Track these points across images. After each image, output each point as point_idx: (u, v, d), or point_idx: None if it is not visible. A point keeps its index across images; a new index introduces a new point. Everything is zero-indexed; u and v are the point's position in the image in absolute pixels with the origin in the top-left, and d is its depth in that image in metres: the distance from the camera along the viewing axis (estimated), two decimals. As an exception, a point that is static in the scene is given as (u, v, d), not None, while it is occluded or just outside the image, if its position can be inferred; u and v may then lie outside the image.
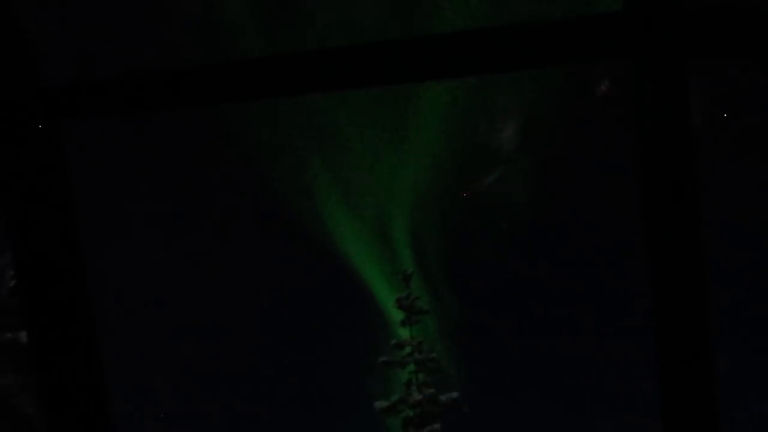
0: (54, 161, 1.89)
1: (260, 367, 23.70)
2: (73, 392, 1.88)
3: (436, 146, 23.02)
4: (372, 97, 21.62)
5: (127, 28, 19.81)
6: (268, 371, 23.69)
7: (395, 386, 16.09)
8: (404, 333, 16.32)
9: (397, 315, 16.61)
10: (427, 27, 19.22)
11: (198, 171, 23.46)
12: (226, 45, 20.46)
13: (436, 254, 24.10)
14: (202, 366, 23.34)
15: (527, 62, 1.50)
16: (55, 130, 1.86)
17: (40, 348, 1.83)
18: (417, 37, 1.73)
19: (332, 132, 22.82)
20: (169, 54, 19.75)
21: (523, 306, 24.27)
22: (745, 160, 21.20)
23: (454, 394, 15.30)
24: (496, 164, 22.99)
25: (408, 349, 15.91)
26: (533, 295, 24.40)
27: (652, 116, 1.48)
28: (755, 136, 20.75)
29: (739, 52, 1.45)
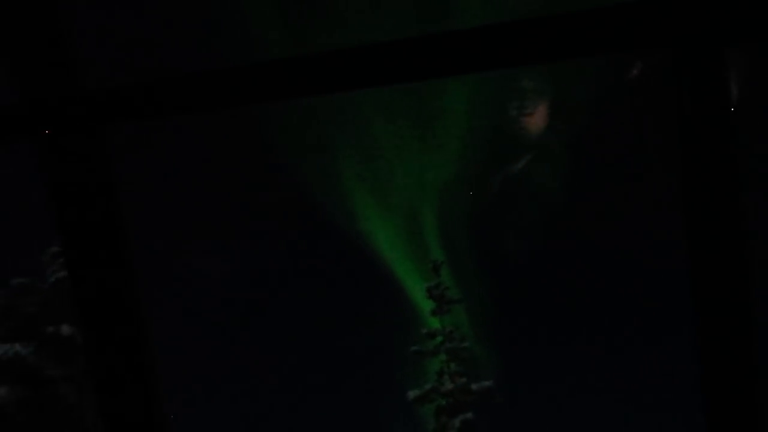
0: (99, 163, 1.95)
1: (291, 357, 24.03)
2: (124, 379, 1.96)
3: (464, 136, 22.89)
4: (400, 89, 21.58)
5: (163, 30, 20.11)
6: (300, 361, 24.01)
7: (427, 375, 16.14)
8: (434, 323, 16.33)
9: (426, 305, 16.64)
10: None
11: (228, 166, 23.78)
12: (257, 46, 20.67)
13: (466, 244, 24.03)
14: (237, 354, 23.77)
15: (567, 52, 1.50)
16: (99, 133, 1.93)
17: (93, 342, 1.91)
18: (454, 31, 1.74)
19: (361, 125, 22.87)
20: (205, 56, 20.03)
21: (554, 295, 24.07)
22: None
23: (487, 384, 15.28)
24: (525, 153, 22.77)
25: (439, 339, 15.93)
26: (565, 285, 24.16)
27: (691, 106, 1.47)
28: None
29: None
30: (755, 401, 1.44)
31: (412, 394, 15.56)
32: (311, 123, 22.66)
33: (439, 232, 23.91)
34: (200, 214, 23.80)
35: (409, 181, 23.60)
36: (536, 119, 22.04)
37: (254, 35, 20.82)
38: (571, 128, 22.32)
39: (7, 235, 20.92)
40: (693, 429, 19.85)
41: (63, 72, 1.93)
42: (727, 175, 1.43)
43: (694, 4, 1.46)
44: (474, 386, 15.31)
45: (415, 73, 1.85)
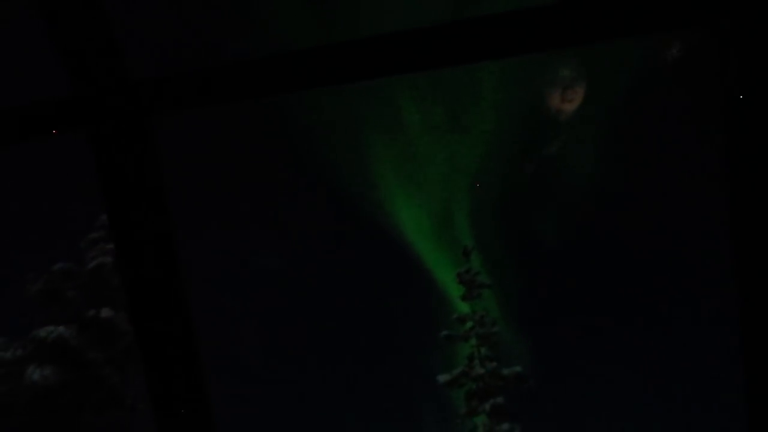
0: (146, 153, 2.03)
1: (323, 343, 24.33)
2: (173, 364, 2.05)
3: (498, 120, 22.66)
4: (431, 77, 21.42)
5: (204, 21, 20.30)
6: (333, 346, 24.29)
7: (458, 360, 16.19)
8: (463, 307, 16.34)
9: (456, 290, 16.64)
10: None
11: (259, 157, 24.01)
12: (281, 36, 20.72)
13: (497, 229, 23.89)
14: (271, 339, 24.17)
15: (614, 31, 1.49)
16: (146, 124, 2.00)
17: (143, 329, 2.00)
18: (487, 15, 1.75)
19: (392, 112, 22.82)
20: (245, 46, 20.17)
21: (586, 281, 23.80)
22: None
23: (518, 369, 15.26)
24: (559, 137, 22.45)
25: (470, 324, 15.95)
26: (597, 270, 23.87)
27: (738, 87, 1.46)
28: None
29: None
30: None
31: (442, 378, 15.64)
32: (340, 104, 22.70)
33: (470, 218, 23.82)
34: (229, 204, 24.14)
35: (440, 166, 23.52)
36: (571, 102, 21.69)
37: (281, 28, 20.89)
38: (607, 111, 21.91)
39: (48, 222, 21.57)
40: (726, 414, 19.56)
41: (111, 65, 2.00)
42: None
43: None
44: (505, 371, 15.31)
45: (452, 58, 1.87)
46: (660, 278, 22.97)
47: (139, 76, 2.04)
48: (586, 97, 21.58)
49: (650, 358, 22.35)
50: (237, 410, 22.39)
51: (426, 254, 23.85)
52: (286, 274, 24.17)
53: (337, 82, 1.89)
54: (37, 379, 13.90)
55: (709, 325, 21.22)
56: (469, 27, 1.80)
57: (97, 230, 16.25)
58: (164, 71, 2.02)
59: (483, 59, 1.82)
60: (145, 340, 2.02)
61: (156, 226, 2.03)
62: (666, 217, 22.60)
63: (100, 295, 15.53)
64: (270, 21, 20.60)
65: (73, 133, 1.96)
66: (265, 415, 23.16)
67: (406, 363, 23.08)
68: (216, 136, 23.52)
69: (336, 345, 24.33)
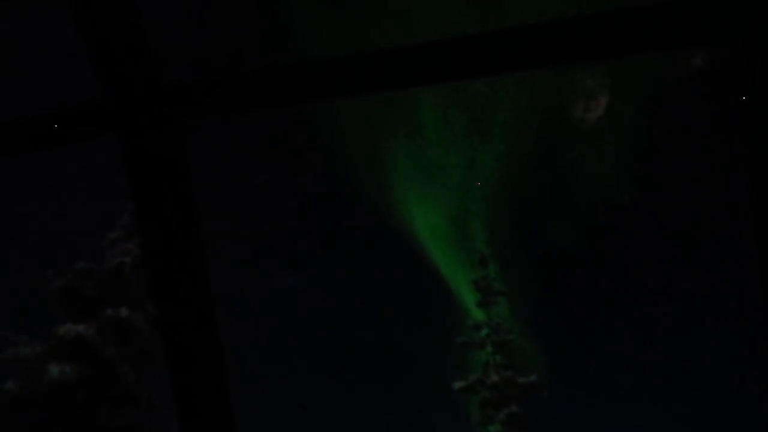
0: (175, 156, 2.07)
1: (339, 347, 24.37)
2: (196, 362, 2.08)
3: (515, 130, 22.60)
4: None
5: (233, 28, 20.53)
6: (348, 351, 24.32)
7: (473, 367, 16.13)
8: (477, 314, 16.29)
9: (470, 297, 16.61)
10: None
11: (276, 161, 24.15)
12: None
13: (513, 235, 23.78)
14: (282, 346, 24.27)
15: (641, 47, 1.50)
16: (177, 128, 2.05)
17: (169, 329, 2.04)
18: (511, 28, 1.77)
19: (409, 117, 22.85)
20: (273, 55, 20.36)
21: (602, 289, 23.58)
22: None
23: (533, 377, 15.16)
24: (576, 147, 22.33)
25: (485, 331, 15.89)
26: (614, 278, 23.65)
27: (765, 93, 1.45)
28: None
29: None
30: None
31: (457, 385, 15.60)
32: (355, 107, 22.77)
33: (486, 224, 23.74)
34: (243, 204, 24.31)
35: (457, 172, 23.49)
36: (594, 111, 21.57)
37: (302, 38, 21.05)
38: (628, 120, 21.75)
39: (70, 221, 21.91)
40: (747, 421, 19.24)
41: (144, 72, 2.05)
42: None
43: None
44: (520, 379, 15.22)
45: (472, 71, 1.88)
46: (678, 287, 22.71)
47: (170, 83, 2.08)
48: (608, 106, 21.44)
49: (668, 367, 22.08)
50: (252, 418, 22.52)
51: (442, 260, 23.82)
52: (298, 282, 24.28)
53: (361, 93, 1.92)
54: (56, 376, 14.11)
55: (730, 334, 20.92)
56: (492, 39, 1.82)
57: (117, 230, 16.47)
58: (193, 78, 2.06)
59: (504, 73, 1.84)
60: (171, 341, 2.06)
61: (184, 229, 2.07)
62: (684, 225, 22.34)
63: (118, 295, 15.73)
64: (298, 30, 20.78)
65: (106, 137, 2.01)
66: (280, 423, 23.26)
67: (420, 369, 23.04)
68: (228, 136, 23.72)
69: (350, 351, 24.36)
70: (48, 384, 14.05)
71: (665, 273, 22.81)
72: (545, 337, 22.37)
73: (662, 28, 1.58)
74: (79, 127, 1.95)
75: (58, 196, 22.61)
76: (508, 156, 23.02)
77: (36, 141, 2.08)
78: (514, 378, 15.22)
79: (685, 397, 21.60)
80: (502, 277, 21.74)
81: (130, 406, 14.61)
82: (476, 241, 23.61)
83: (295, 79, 1.77)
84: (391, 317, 24.24)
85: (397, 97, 22.19)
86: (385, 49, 1.87)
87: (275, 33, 20.88)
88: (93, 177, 21.39)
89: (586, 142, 22.30)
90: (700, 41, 1.58)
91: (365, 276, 24.87)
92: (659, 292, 22.87)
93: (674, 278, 22.72)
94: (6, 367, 14.31)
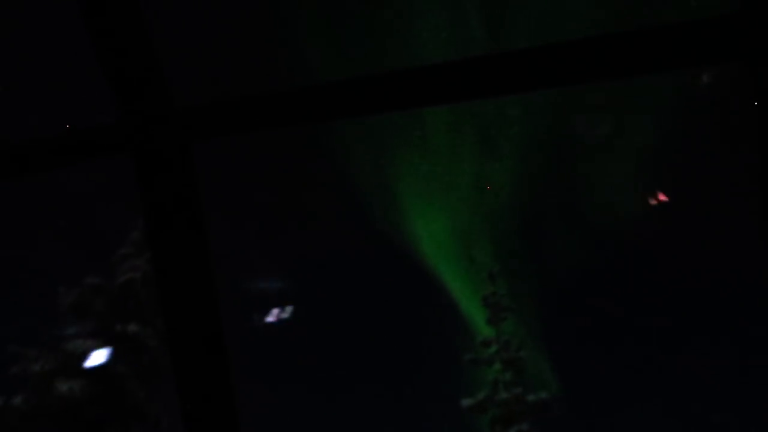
0: (187, 177, 2.11)
1: (346, 363, 24.26)
2: (204, 380, 2.10)
3: (523, 145, 22.62)
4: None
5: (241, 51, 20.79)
6: (355, 367, 24.20)
7: (482, 384, 15.98)
8: (486, 331, 16.17)
9: (478, 314, 16.52)
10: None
11: (282, 170, 24.28)
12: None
13: (523, 254, 23.70)
14: (291, 361, 24.20)
15: (649, 67, 1.51)
16: (188, 149, 2.08)
17: (177, 346, 2.06)
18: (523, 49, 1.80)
19: (415, 130, 22.94)
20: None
21: (612, 309, 23.39)
22: None
23: (543, 395, 15.00)
24: (585, 162, 22.30)
25: (494, 348, 15.76)
26: (624, 296, 23.47)
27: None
28: None
29: None
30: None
31: (466, 402, 15.45)
32: (361, 126, 22.90)
33: (495, 240, 23.68)
34: (250, 214, 24.39)
35: (465, 187, 23.50)
36: (599, 125, 21.57)
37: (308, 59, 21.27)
38: (636, 135, 21.73)
39: (80, 238, 22.07)
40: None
41: (156, 94, 2.09)
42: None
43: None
44: (530, 397, 15.06)
45: (481, 91, 1.90)
46: (689, 303, 22.50)
47: (182, 105, 2.13)
48: (616, 122, 21.44)
49: (679, 385, 21.81)
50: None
51: (450, 277, 23.75)
52: (305, 296, 24.27)
53: (370, 114, 1.95)
54: (65, 392, 14.12)
55: (741, 352, 20.65)
56: (501, 60, 1.84)
57: (127, 246, 16.55)
58: (204, 99, 2.10)
59: (513, 93, 1.86)
60: (180, 358, 2.08)
61: (194, 246, 2.09)
62: (696, 241, 22.19)
63: (128, 310, 15.77)
64: (306, 51, 20.99)
65: (119, 157, 2.05)
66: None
67: (429, 386, 22.88)
68: (236, 150, 23.88)
69: (358, 367, 24.25)
70: (57, 400, 14.06)
71: (677, 288, 22.64)
72: (555, 354, 22.19)
73: (667, 49, 1.60)
74: (92, 148, 1.99)
75: (68, 212, 22.81)
76: (516, 171, 23.03)
77: (49, 162, 2.12)
78: (523, 395, 15.06)
79: (697, 414, 21.29)
80: (512, 293, 21.66)
81: (138, 423, 14.58)
82: (487, 257, 23.55)
83: (304, 99, 1.80)
84: (399, 333, 24.14)
85: (404, 114, 22.29)
86: (393, 70, 1.90)
87: (284, 55, 21.12)
88: (101, 193, 21.58)
89: (594, 157, 22.28)
90: (705, 61, 1.60)
91: (373, 292, 24.83)
92: (671, 307, 22.68)
93: (686, 293, 22.54)
94: (15, 382, 14.34)
